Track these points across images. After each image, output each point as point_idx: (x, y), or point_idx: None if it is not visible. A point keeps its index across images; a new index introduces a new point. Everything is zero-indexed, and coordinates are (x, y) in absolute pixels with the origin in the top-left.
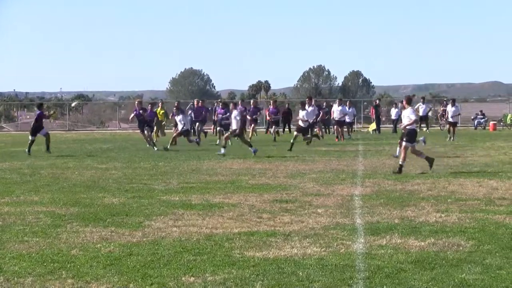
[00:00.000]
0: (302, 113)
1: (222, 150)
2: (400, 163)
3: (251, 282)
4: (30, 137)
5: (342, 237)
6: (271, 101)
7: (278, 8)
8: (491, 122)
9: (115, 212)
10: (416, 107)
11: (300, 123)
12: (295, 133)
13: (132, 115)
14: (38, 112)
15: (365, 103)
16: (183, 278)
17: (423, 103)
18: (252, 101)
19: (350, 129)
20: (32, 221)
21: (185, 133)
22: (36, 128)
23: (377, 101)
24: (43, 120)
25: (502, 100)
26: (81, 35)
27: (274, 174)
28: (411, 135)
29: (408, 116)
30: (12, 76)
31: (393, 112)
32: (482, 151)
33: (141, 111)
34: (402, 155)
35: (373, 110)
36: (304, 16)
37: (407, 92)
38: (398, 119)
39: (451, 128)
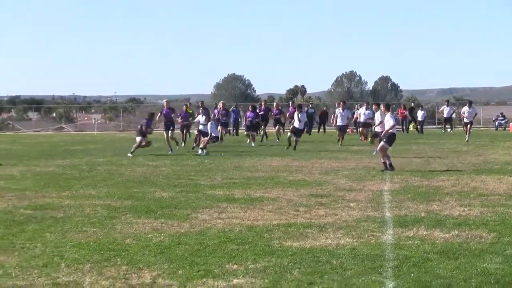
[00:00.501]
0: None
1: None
2: (383, 161)
3: (289, 270)
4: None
5: (372, 229)
6: (274, 104)
7: (314, 19)
8: (511, 124)
9: (164, 205)
10: (441, 109)
11: (296, 125)
12: (289, 133)
13: (159, 114)
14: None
15: (394, 105)
16: (227, 266)
17: (447, 105)
18: (274, 103)
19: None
20: (90, 213)
21: (214, 139)
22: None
23: (412, 104)
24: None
25: None
26: (133, 44)
27: (310, 171)
28: (390, 138)
29: (387, 121)
30: (71, 81)
31: (420, 114)
32: (503, 150)
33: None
34: (382, 154)
35: (409, 112)
36: (338, 26)
37: (432, 95)
38: (424, 121)
39: (466, 128)
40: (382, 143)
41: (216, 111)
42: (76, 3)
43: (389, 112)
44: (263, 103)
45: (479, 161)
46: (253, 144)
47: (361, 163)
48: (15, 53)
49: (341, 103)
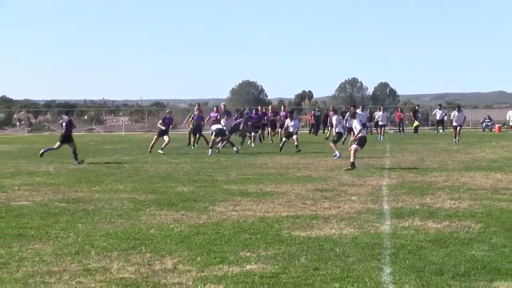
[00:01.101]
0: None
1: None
2: (352, 161)
3: (297, 257)
4: (166, 138)
5: (372, 220)
6: (270, 107)
7: (321, 29)
8: (497, 125)
9: (185, 199)
10: (434, 112)
11: (290, 128)
12: (284, 138)
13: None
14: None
15: (391, 109)
16: (241, 253)
17: (440, 109)
18: (270, 106)
19: (382, 131)
20: (118, 206)
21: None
22: (164, 132)
23: (417, 107)
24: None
25: (507, 107)
26: (157, 53)
27: (316, 168)
28: (361, 141)
29: (355, 127)
30: (101, 87)
31: (438, 113)
32: (489, 149)
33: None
34: (352, 154)
35: (413, 113)
36: (342, 36)
37: (427, 100)
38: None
39: (455, 131)
40: (354, 145)
41: (213, 114)
42: (106, 17)
43: (356, 119)
44: (270, 108)
45: (468, 159)
46: (252, 145)
47: (362, 161)
48: (51, 61)
49: (352, 107)
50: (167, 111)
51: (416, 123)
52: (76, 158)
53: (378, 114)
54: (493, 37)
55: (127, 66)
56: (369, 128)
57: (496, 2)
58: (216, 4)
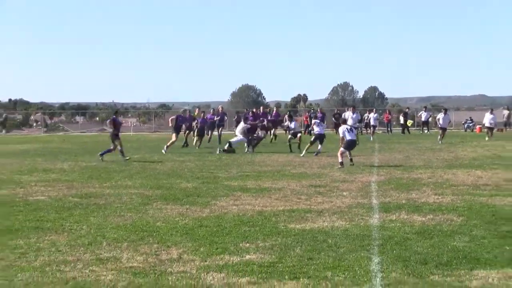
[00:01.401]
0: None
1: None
2: (340, 160)
3: (292, 247)
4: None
5: (361, 214)
6: (274, 108)
7: (315, 35)
8: (478, 126)
9: (189, 194)
10: (419, 114)
11: (295, 129)
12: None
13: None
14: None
15: (380, 111)
16: (240, 244)
17: (425, 111)
18: (261, 107)
19: (373, 131)
20: (127, 200)
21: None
22: (178, 129)
23: (406, 110)
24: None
25: (487, 109)
26: (163, 58)
27: (310, 165)
28: (348, 144)
29: (342, 133)
30: (111, 90)
31: (423, 115)
32: (471, 148)
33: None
34: (339, 156)
35: (404, 115)
36: (334, 41)
37: (413, 102)
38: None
39: (441, 132)
40: (341, 148)
41: (209, 115)
42: (114, 24)
43: (342, 127)
44: (261, 108)
45: (451, 157)
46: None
47: (353, 159)
48: (65, 65)
49: (352, 107)
50: (183, 110)
51: (410, 122)
52: (123, 155)
53: (370, 116)
54: (476, 44)
55: (134, 71)
56: (359, 129)
57: (478, 12)
58: (217, 11)
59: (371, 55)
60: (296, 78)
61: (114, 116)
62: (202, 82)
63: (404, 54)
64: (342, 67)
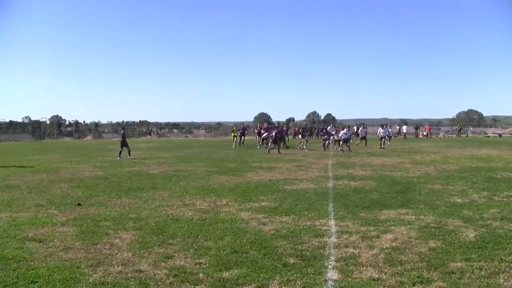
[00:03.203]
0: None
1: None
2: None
3: (286, 199)
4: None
5: (324, 181)
6: (285, 124)
7: (303, 68)
8: (392, 133)
9: (232, 170)
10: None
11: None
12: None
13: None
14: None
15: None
16: (259, 197)
17: (363, 128)
18: (285, 123)
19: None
20: (199, 173)
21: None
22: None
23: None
24: None
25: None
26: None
27: (297, 156)
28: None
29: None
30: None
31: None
32: (393, 142)
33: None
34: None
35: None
36: (314, 77)
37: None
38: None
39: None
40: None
41: (240, 129)
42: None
43: (343, 129)
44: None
45: (369, 151)
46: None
47: (321, 154)
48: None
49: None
50: (241, 124)
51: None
52: (119, 155)
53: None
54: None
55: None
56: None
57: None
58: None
59: (334, 91)
60: (289, 106)
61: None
62: (229, 107)
63: (356, 82)
64: (312, 99)
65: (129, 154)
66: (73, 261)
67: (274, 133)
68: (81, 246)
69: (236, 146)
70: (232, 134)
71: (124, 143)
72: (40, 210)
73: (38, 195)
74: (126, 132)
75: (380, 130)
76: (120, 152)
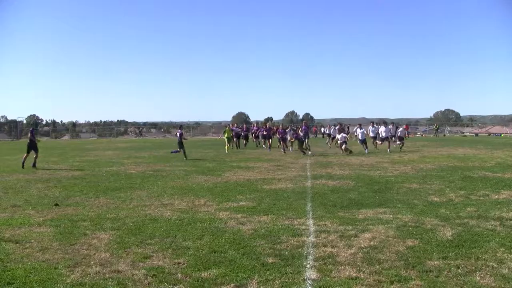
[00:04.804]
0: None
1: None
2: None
3: (264, 198)
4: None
5: (302, 180)
6: (267, 124)
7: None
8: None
9: (210, 170)
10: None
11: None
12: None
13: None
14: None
15: (314, 125)
16: (237, 196)
17: (360, 128)
18: (268, 123)
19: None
20: (177, 173)
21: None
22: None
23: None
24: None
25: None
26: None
27: (275, 156)
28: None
29: (340, 137)
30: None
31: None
32: (356, 145)
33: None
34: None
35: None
36: (286, 80)
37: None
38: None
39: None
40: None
41: (235, 128)
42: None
43: (341, 133)
44: (267, 124)
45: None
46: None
47: (299, 154)
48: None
49: (339, 125)
50: (236, 124)
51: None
52: (185, 155)
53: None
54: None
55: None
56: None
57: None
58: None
59: (312, 90)
60: (267, 105)
61: (180, 130)
62: (211, 107)
63: (331, 83)
64: (290, 99)
65: (185, 156)
66: (51, 262)
67: (296, 135)
68: (58, 247)
69: (233, 150)
70: (225, 136)
71: (181, 144)
72: (16, 211)
73: (14, 196)
74: (183, 132)
75: (382, 129)
76: (184, 152)
